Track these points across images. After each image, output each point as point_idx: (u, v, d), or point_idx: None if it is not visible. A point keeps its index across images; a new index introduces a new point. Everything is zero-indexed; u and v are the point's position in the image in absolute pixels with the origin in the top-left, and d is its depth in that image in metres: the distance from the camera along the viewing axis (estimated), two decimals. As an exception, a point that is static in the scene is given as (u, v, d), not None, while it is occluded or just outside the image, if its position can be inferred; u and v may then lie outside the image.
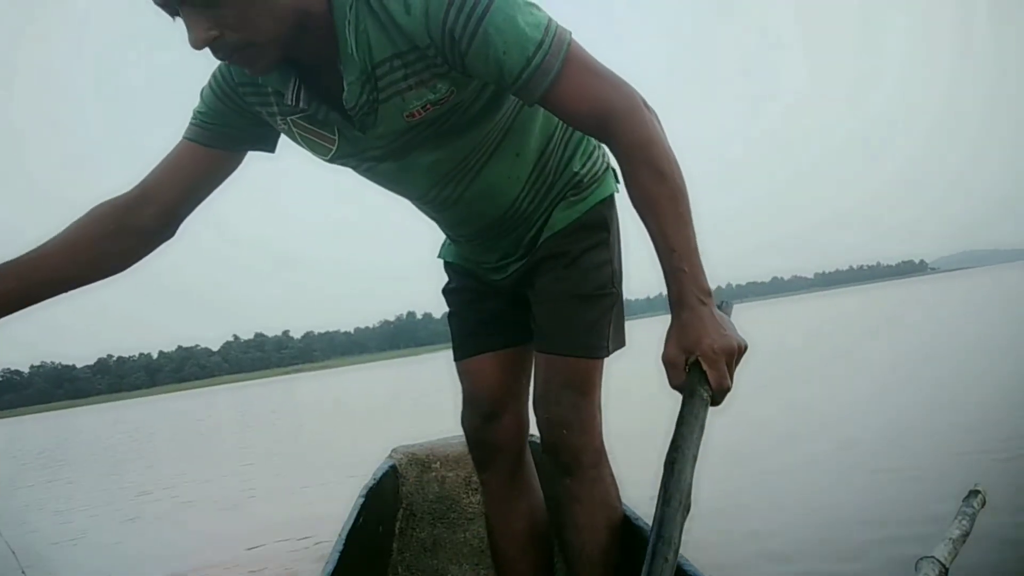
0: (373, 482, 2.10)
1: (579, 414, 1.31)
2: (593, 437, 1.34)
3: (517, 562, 1.57)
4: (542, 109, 1.16)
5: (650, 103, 1.07)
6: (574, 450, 1.32)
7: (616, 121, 1.03)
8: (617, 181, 1.39)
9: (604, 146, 1.38)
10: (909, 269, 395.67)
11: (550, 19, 1.02)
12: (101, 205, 1.15)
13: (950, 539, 1.15)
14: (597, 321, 1.34)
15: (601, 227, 1.36)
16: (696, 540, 2.46)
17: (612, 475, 1.40)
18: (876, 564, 2.00)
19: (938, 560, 1.09)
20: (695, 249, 1.01)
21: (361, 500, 1.92)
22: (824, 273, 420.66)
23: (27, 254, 1.09)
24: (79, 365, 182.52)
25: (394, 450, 2.41)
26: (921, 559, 1.09)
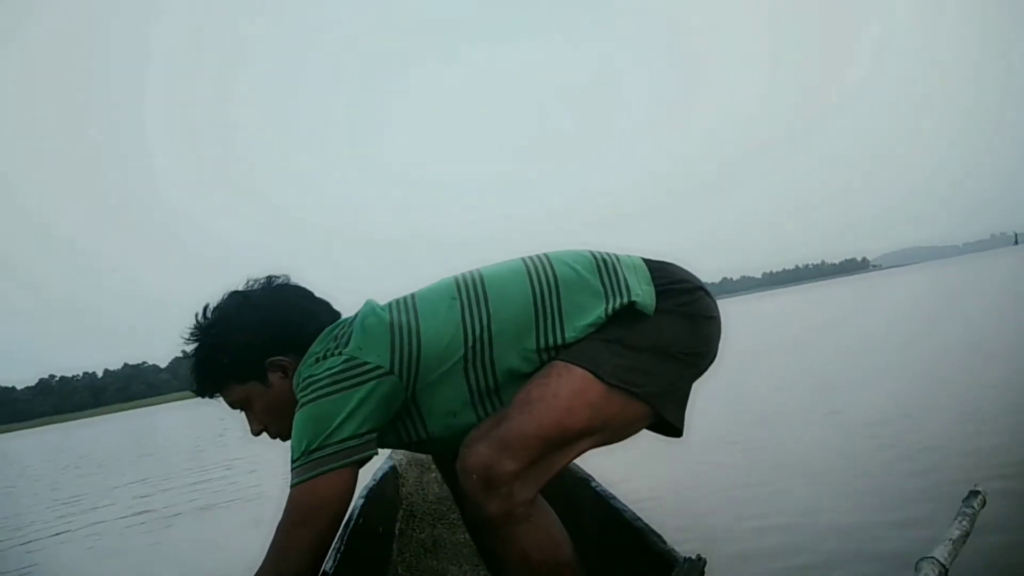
0: (373, 482, 2.09)
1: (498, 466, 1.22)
2: (511, 492, 1.22)
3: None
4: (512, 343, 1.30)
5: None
6: (481, 504, 1.23)
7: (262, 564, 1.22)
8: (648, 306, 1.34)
9: (623, 289, 1.33)
10: (853, 267, 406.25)
11: (323, 445, 1.21)
12: None
13: (950, 539, 1.16)
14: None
15: None
16: (692, 538, 2.48)
17: (541, 526, 1.30)
18: (875, 564, 2.01)
19: (938, 560, 1.09)
20: None
21: (361, 501, 1.91)
22: (771, 272, 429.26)
23: None
24: (19, 387, 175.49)
25: (394, 451, 2.38)
26: (921, 559, 1.10)
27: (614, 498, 1.80)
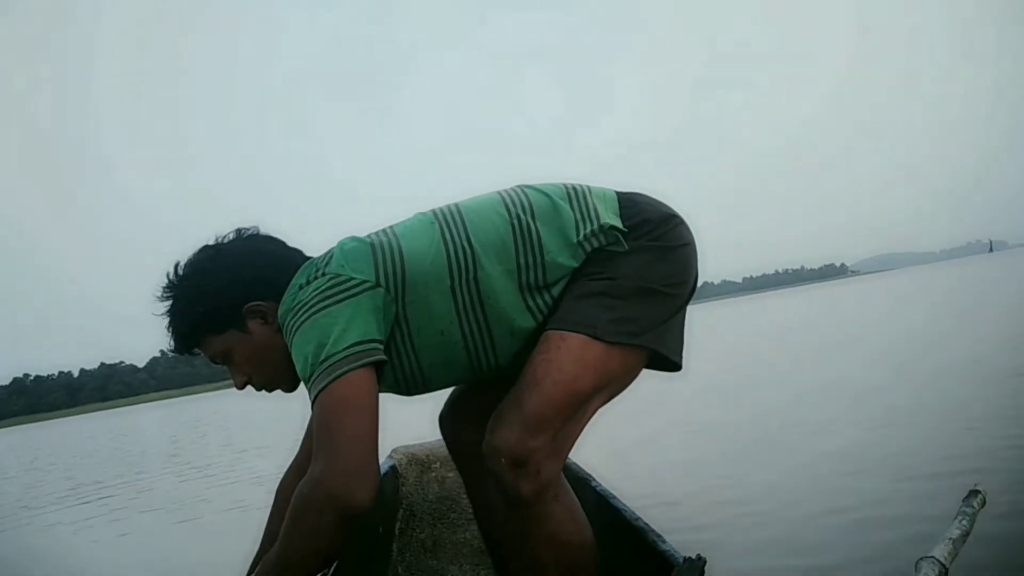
0: (373, 483, 2.07)
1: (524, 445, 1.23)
2: (539, 470, 1.24)
3: (504, 539, 1.57)
4: (497, 281, 1.32)
5: None
6: (512, 485, 1.24)
7: (311, 472, 1.18)
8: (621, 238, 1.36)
9: (592, 214, 1.36)
10: (831, 272, 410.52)
11: (331, 354, 1.21)
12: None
13: (950, 539, 1.16)
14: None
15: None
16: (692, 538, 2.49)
17: (567, 506, 1.33)
18: (875, 564, 2.03)
19: (938, 560, 1.09)
20: None
21: None
22: (752, 277, 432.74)
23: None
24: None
25: (394, 450, 2.39)
26: (921, 559, 1.10)
27: (614, 497, 1.81)
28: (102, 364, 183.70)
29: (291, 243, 1.49)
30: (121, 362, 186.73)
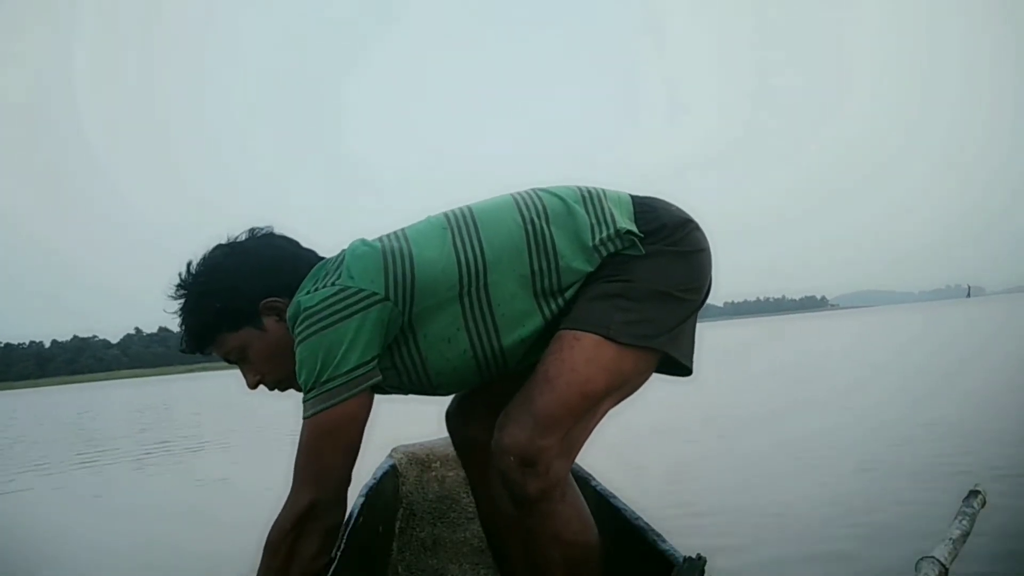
0: (373, 482, 2.08)
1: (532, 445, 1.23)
2: (548, 469, 1.24)
3: (507, 537, 1.60)
4: (502, 270, 1.31)
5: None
6: (520, 484, 1.24)
7: (292, 504, 1.26)
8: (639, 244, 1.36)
9: (608, 219, 1.35)
10: (811, 304, 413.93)
11: (332, 377, 1.23)
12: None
13: (950, 539, 1.17)
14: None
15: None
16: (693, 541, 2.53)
17: (574, 506, 1.33)
18: (875, 565, 2.06)
19: (938, 560, 1.10)
20: None
21: (361, 500, 1.89)
22: (733, 303, 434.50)
23: None
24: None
25: (394, 449, 2.38)
26: (921, 559, 1.11)
27: (614, 496, 1.81)
28: (75, 337, 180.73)
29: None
30: (94, 336, 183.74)
